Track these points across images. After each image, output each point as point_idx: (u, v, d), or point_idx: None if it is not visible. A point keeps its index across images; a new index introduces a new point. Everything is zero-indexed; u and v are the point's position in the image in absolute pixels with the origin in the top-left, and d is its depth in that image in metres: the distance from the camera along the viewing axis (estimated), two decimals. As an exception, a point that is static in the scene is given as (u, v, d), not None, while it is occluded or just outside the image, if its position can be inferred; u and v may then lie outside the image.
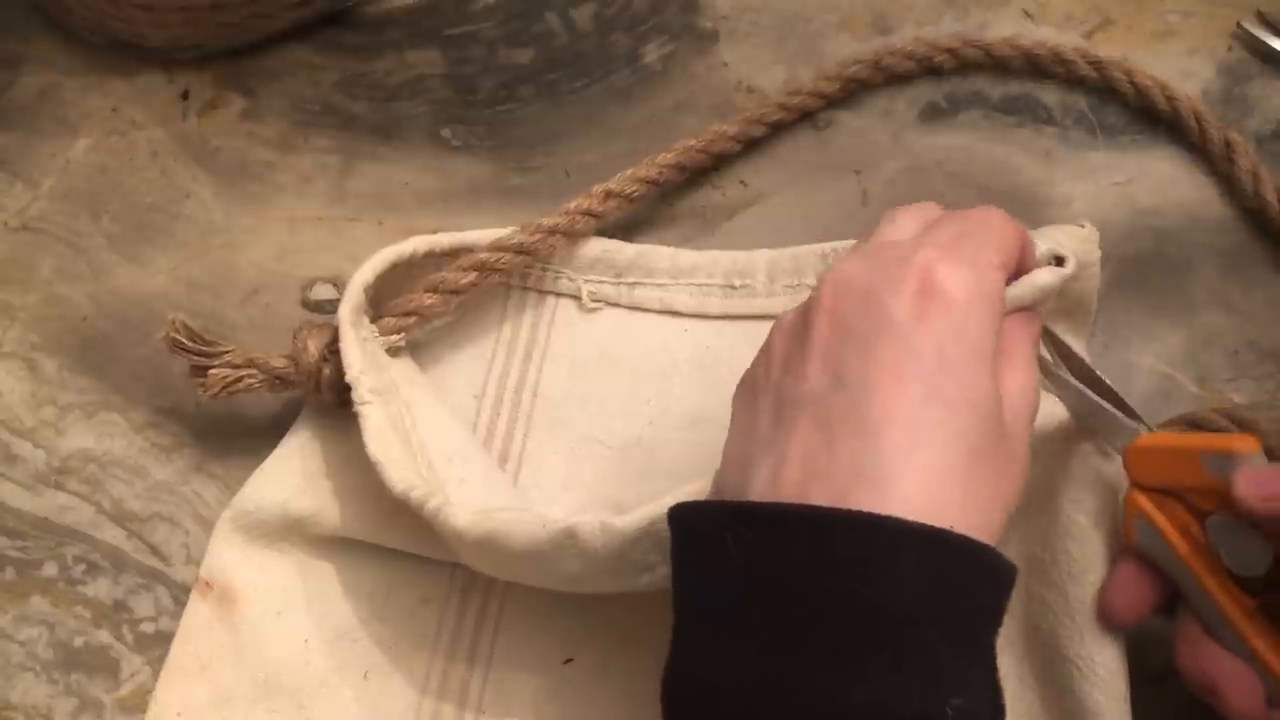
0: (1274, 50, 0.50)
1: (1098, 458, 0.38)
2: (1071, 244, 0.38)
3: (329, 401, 0.43)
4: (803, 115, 0.51)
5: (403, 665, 0.43)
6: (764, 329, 0.45)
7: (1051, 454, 0.38)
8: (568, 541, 0.36)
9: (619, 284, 0.48)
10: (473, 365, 0.47)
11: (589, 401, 0.46)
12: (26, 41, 0.57)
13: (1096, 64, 0.50)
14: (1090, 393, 0.37)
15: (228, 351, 0.44)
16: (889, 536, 0.27)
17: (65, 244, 0.52)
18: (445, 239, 0.46)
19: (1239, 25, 0.51)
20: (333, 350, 0.43)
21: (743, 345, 0.46)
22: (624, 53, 0.54)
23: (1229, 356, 0.45)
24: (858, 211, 0.49)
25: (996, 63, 0.51)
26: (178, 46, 0.55)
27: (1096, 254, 0.40)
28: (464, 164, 0.52)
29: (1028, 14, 0.53)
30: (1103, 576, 0.37)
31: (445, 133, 0.53)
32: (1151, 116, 0.49)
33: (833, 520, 0.28)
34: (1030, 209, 0.48)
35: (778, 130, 0.51)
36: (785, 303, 0.46)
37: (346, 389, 0.42)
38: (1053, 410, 0.38)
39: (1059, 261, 0.35)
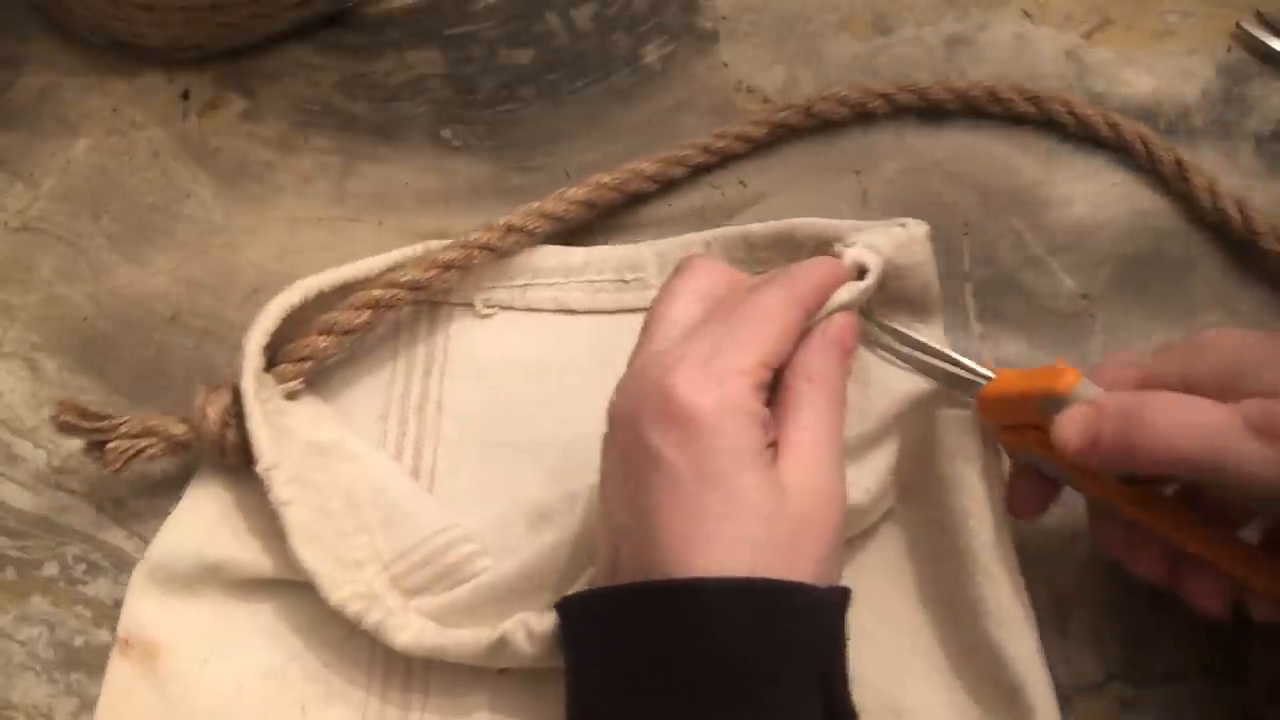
0: (1273, 50, 0.50)
1: (961, 412, 0.40)
2: (890, 247, 0.40)
3: (235, 464, 0.43)
4: (725, 159, 0.50)
5: (338, 695, 0.42)
6: None
7: (922, 420, 0.40)
8: (501, 648, 0.38)
9: (511, 287, 0.48)
10: (373, 388, 0.47)
11: (496, 408, 0.46)
12: (26, 41, 0.57)
13: (1034, 99, 0.49)
14: (934, 360, 0.40)
15: (123, 423, 0.43)
16: (686, 598, 0.31)
17: (65, 244, 0.52)
18: (334, 276, 0.45)
19: (1238, 25, 0.51)
20: (234, 415, 0.42)
21: None
22: (624, 53, 0.54)
23: (1229, 356, 0.45)
24: (858, 211, 0.49)
25: (932, 106, 0.50)
26: (178, 46, 0.55)
27: (919, 253, 0.41)
28: (464, 164, 0.52)
29: (1027, 14, 0.53)
30: (987, 519, 0.39)
31: (445, 133, 0.53)
32: (1097, 143, 0.49)
33: (640, 595, 0.33)
34: (1030, 209, 0.48)
35: (697, 172, 0.50)
36: None
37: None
38: (918, 382, 0.41)
39: (861, 273, 0.38)
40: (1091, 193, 0.48)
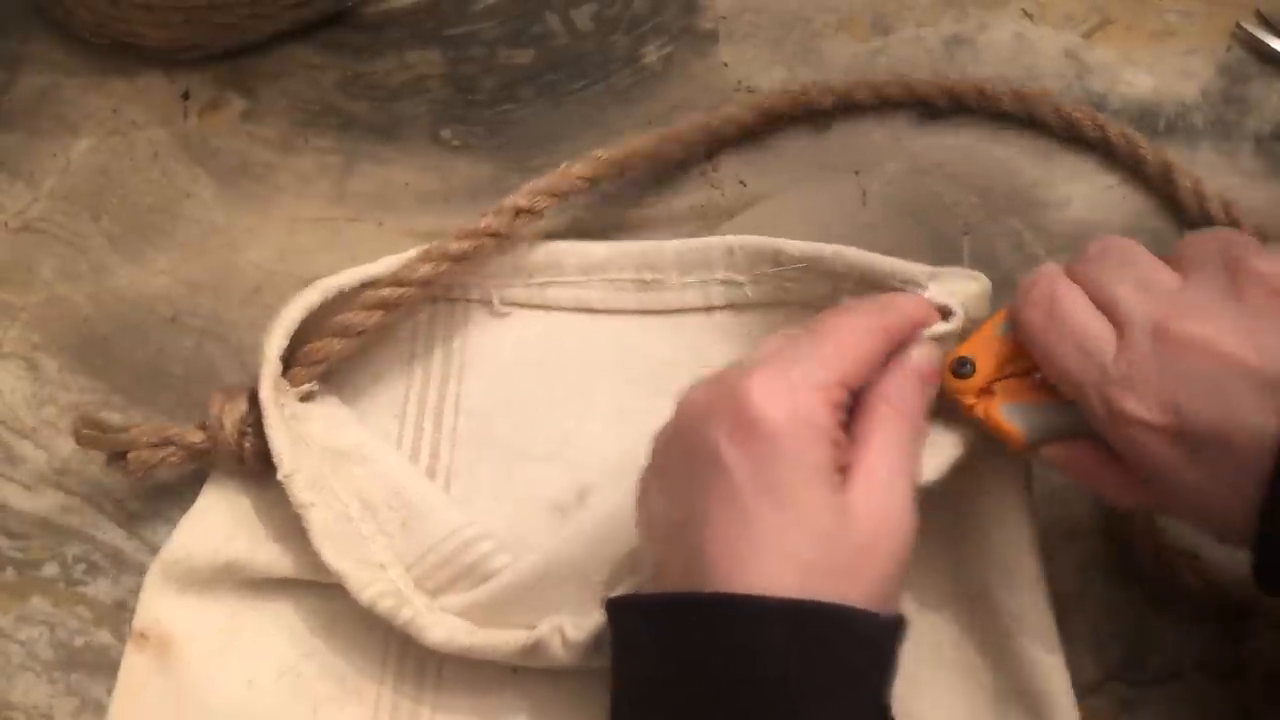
0: (1273, 50, 0.50)
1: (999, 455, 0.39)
2: (968, 300, 0.38)
3: (255, 470, 0.43)
4: (724, 143, 0.50)
5: (352, 693, 0.42)
6: (677, 323, 0.46)
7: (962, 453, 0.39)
8: (535, 652, 0.39)
9: (530, 285, 0.47)
10: (390, 388, 0.47)
11: (512, 407, 0.46)
12: (26, 41, 0.57)
13: (1020, 97, 0.49)
14: None
15: (142, 433, 0.43)
16: (743, 615, 0.31)
17: (66, 244, 0.52)
18: (349, 277, 0.45)
19: (1238, 25, 0.51)
20: (250, 423, 0.42)
21: (658, 339, 0.46)
22: (624, 53, 0.54)
23: (1228, 356, 0.45)
24: (858, 211, 0.49)
25: (919, 100, 0.50)
26: (178, 47, 0.55)
27: (985, 309, 0.39)
28: (464, 164, 0.52)
29: (1027, 14, 0.53)
30: (1024, 523, 0.39)
31: (445, 133, 0.53)
32: (1084, 143, 0.49)
33: (687, 606, 0.32)
34: (1030, 210, 0.48)
35: (694, 157, 0.50)
36: (696, 296, 0.46)
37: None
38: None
39: (945, 314, 0.37)
40: (1091, 193, 0.48)
